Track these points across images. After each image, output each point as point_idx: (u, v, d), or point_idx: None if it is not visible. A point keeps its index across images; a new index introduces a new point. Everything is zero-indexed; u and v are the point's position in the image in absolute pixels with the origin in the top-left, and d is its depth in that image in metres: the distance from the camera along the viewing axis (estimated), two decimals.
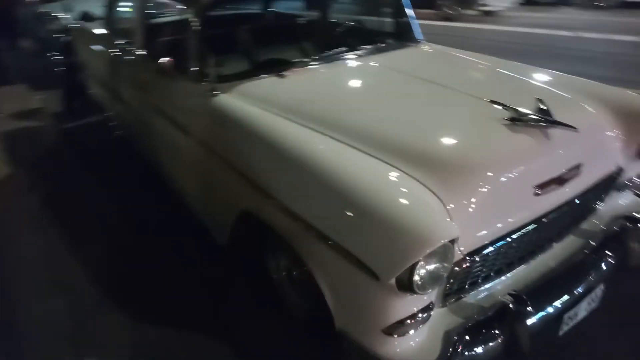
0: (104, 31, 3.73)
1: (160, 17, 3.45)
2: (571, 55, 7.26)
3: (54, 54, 6.17)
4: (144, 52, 2.92)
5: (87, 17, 5.14)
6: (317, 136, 1.79)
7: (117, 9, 3.61)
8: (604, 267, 1.87)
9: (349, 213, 1.47)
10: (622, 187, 2.15)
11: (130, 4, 3.25)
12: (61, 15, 6.02)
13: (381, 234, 1.37)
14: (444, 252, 1.37)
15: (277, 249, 2.05)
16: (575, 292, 1.77)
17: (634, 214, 2.07)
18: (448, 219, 1.43)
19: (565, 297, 1.74)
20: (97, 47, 3.82)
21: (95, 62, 3.88)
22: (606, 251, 1.91)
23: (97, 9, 5.57)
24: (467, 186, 1.57)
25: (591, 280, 1.82)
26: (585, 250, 1.91)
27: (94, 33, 3.92)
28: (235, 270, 2.50)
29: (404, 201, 1.44)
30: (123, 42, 3.27)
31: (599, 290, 1.89)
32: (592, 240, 1.95)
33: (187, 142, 2.30)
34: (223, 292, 2.40)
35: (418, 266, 1.33)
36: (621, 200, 2.18)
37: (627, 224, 2.01)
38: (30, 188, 3.61)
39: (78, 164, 4.07)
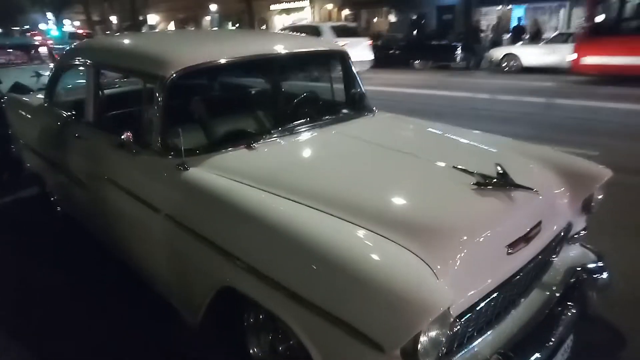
0: (43, 102, 3.59)
1: (111, 88, 3.40)
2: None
3: None
4: (96, 125, 2.83)
5: (19, 88, 4.92)
6: (297, 206, 1.80)
7: (61, 80, 3.52)
8: (570, 318, 1.98)
9: (345, 284, 1.47)
10: (571, 240, 2.34)
11: (78, 75, 3.19)
12: None
13: (382, 304, 1.38)
14: (443, 318, 1.41)
15: (259, 324, 1.98)
16: (550, 345, 1.86)
17: (586, 265, 2.25)
18: (441, 284, 1.48)
19: (543, 352, 1.82)
20: (37, 119, 3.65)
21: (35, 134, 3.68)
22: (568, 303, 2.04)
23: (27, 81, 5.41)
24: (448, 250, 1.64)
25: (561, 332, 1.92)
26: (550, 303, 2.03)
27: (33, 105, 3.76)
28: (208, 352, 2.36)
29: (399, 269, 1.48)
30: (69, 113, 3.16)
31: (569, 341, 2.00)
32: (553, 293, 2.08)
33: (152, 218, 2.21)
34: None
35: (421, 334, 1.35)
36: (572, 253, 2.37)
37: (583, 275, 2.18)
38: None
39: (14, 244, 3.72)
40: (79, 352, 2.47)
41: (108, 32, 42.28)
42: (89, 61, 2.95)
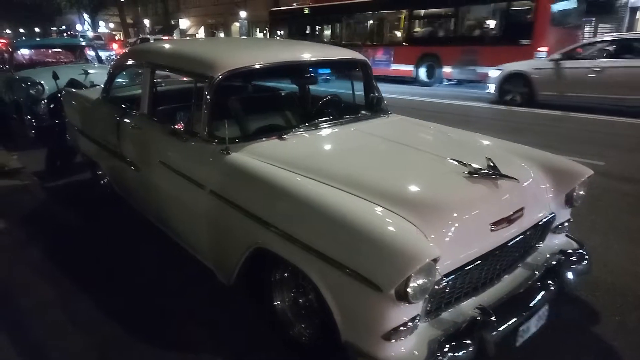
0: (100, 97, 4.10)
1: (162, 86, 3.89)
2: None
3: (31, 117, 6.43)
4: (151, 116, 3.31)
5: (74, 84, 5.49)
6: (320, 185, 2.21)
7: (117, 79, 4.04)
8: (547, 292, 2.34)
9: (356, 242, 1.87)
10: (556, 230, 2.69)
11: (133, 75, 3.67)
12: (43, 81, 6.33)
13: (383, 256, 1.79)
14: (429, 269, 1.80)
15: (283, 282, 2.41)
16: (526, 310, 2.23)
17: (567, 251, 2.60)
18: (429, 244, 1.88)
19: (519, 314, 2.19)
20: (96, 112, 4.16)
21: (93, 125, 4.20)
22: (548, 280, 2.40)
23: (77, 78, 5.99)
24: (441, 223, 2.03)
25: (538, 302, 2.29)
26: (531, 279, 2.39)
27: (92, 98, 4.28)
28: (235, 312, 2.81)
29: (398, 232, 1.88)
30: (124, 106, 3.66)
31: (544, 310, 2.36)
32: (535, 272, 2.44)
33: (198, 193, 2.65)
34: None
35: (411, 280, 1.75)
36: (556, 241, 2.72)
37: (562, 257, 2.54)
38: (29, 242, 3.75)
39: (72, 217, 4.26)
40: (124, 299, 2.95)
41: (140, 35, 43.71)
42: (145, 62, 3.44)
